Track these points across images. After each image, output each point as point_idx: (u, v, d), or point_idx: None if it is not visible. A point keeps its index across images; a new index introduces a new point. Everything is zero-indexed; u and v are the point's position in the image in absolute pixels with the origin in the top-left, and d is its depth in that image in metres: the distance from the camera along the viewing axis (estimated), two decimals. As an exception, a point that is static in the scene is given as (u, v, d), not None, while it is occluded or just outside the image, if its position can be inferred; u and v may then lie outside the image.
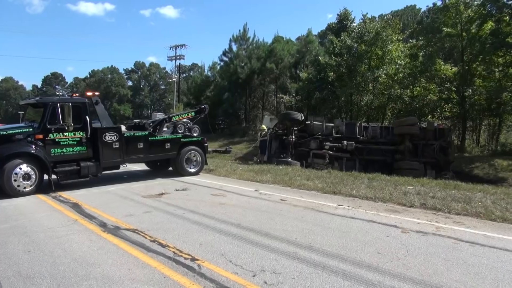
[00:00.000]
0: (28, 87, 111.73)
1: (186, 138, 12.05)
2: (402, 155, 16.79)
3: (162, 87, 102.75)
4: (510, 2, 20.77)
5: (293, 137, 17.27)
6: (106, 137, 9.91)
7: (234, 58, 40.08)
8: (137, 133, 11.01)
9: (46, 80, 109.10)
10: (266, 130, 19.16)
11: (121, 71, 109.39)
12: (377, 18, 34.67)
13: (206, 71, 50.44)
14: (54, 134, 9.15)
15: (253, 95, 42.32)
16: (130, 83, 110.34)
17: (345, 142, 17.15)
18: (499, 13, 21.50)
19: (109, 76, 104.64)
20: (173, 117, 12.66)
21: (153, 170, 13.04)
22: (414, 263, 4.24)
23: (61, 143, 9.27)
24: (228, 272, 3.96)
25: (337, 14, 35.04)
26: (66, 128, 9.24)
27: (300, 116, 17.33)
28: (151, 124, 11.81)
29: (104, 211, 6.87)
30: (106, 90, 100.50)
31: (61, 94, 10.14)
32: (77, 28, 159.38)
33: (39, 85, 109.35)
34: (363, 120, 26.82)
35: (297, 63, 39.35)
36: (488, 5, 21.92)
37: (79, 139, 9.54)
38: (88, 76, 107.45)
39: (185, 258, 4.38)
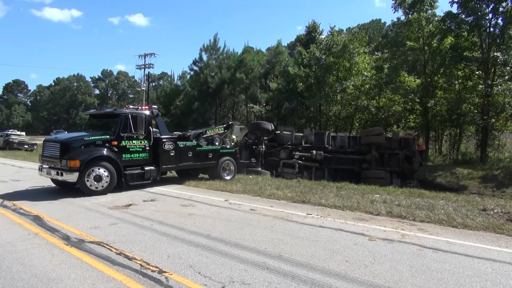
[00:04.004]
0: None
1: (223, 149, 13.40)
2: (369, 164, 17.20)
3: (131, 96, 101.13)
4: (468, 19, 21.90)
5: (263, 146, 17.35)
6: (165, 145, 11.25)
7: (204, 68, 39.99)
8: (188, 143, 12.22)
9: (7, 88, 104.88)
10: (237, 140, 19.16)
11: (88, 79, 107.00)
12: (344, 31, 35.68)
13: (175, 80, 50.17)
14: (126, 141, 10.39)
15: (223, 105, 42.31)
16: (97, 91, 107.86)
17: (314, 151, 17.40)
18: (458, 28, 22.66)
19: (75, 84, 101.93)
20: (207, 131, 13.91)
21: (180, 176, 13.63)
22: (381, 270, 4.33)
23: (131, 149, 10.53)
24: (196, 284, 3.89)
25: (306, 26, 35.91)
26: (135, 136, 10.55)
27: (270, 126, 17.46)
28: (192, 136, 13.05)
29: (67, 223, 6.60)
30: (71, 98, 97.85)
31: (131, 107, 11.97)
32: (42, 35, 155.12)
33: (0, 93, 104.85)
34: (332, 130, 27.40)
35: (267, 73, 39.74)
36: (448, 21, 23.06)
37: (144, 146, 10.84)
38: (53, 83, 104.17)
39: (153, 271, 4.27)
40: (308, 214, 7.60)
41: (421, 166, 18.54)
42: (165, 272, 4.23)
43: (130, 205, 8.41)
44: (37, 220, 6.92)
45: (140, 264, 4.48)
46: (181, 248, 5.15)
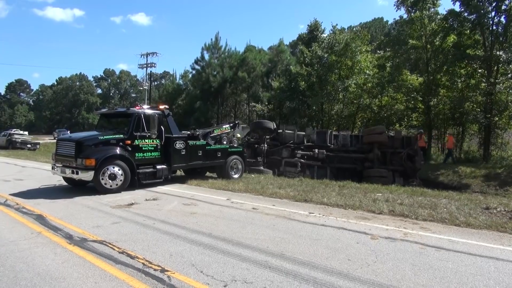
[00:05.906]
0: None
1: (232, 148, 13.60)
2: (371, 163, 17.15)
3: (133, 95, 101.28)
4: (470, 17, 21.80)
5: (265, 145, 17.33)
6: (176, 144, 11.46)
7: (206, 67, 39.98)
8: (198, 142, 12.41)
9: (10, 87, 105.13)
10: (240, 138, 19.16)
11: (90, 78, 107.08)
12: (346, 30, 35.57)
13: (177, 79, 50.25)
14: (139, 140, 10.58)
15: (225, 104, 42.29)
16: (99, 90, 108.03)
17: (316, 150, 17.35)
18: (460, 27, 22.57)
19: (77, 83, 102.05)
20: (215, 130, 14.11)
21: (187, 175, 13.66)
22: (383, 269, 4.32)
23: (143, 148, 10.71)
24: (198, 283, 3.89)
25: (308, 25, 35.80)
26: (148, 135, 10.74)
27: (272, 125, 17.43)
28: (201, 135, 13.21)
29: (70, 222, 6.62)
30: (74, 98, 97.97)
31: (145, 106, 12.29)
32: (44, 34, 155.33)
33: (3, 92, 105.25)
34: (334, 128, 27.30)
35: (269, 72, 39.68)
36: (450, 19, 22.96)
37: (155, 145, 11.01)
38: (55, 83, 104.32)
39: (155, 270, 4.28)
40: (310, 213, 7.59)
41: (424, 162, 18.47)
42: (167, 271, 4.24)
43: (132, 204, 8.43)
44: (40, 219, 6.94)
45: (143, 263, 4.49)
46: (184, 247, 5.16)
